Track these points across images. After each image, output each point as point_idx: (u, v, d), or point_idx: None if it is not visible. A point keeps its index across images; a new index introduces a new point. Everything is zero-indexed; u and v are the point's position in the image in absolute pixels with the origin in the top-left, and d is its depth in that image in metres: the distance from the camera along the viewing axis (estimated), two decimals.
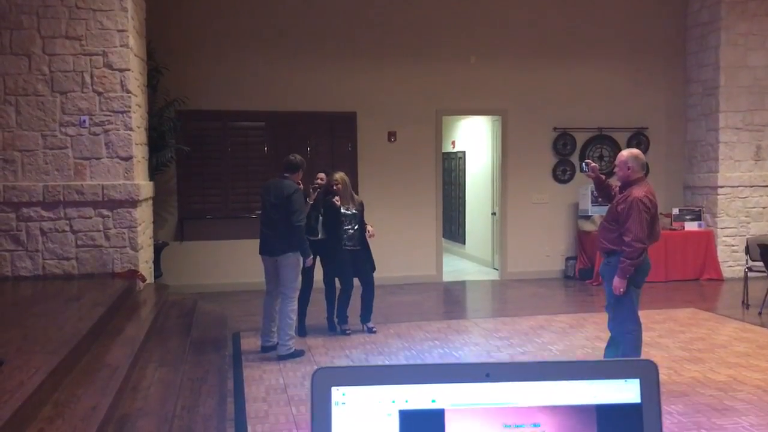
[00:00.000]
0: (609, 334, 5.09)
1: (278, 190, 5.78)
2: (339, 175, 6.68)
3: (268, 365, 5.65)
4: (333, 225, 6.57)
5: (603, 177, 5.18)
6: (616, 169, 4.96)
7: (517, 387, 0.82)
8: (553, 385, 0.82)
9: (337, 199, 6.51)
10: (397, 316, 7.54)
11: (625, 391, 0.83)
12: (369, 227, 6.71)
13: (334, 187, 6.55)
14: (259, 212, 9.05)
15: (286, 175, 5.86)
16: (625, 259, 4.67)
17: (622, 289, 4.73)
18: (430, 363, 0.86)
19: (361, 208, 6.73)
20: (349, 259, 6.59)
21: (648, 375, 0.84)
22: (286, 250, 5.77)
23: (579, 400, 0.82)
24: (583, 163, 5.24)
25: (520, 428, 0.81)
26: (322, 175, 6.75)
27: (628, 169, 4.82)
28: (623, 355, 4.93)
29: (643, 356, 5.86)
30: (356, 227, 6.62)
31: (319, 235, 6.60)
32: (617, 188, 5.01)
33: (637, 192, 4.71)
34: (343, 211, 6.55)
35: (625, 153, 4.97)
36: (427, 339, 6.53)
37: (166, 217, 9.03)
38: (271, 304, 5.97)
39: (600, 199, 5.32)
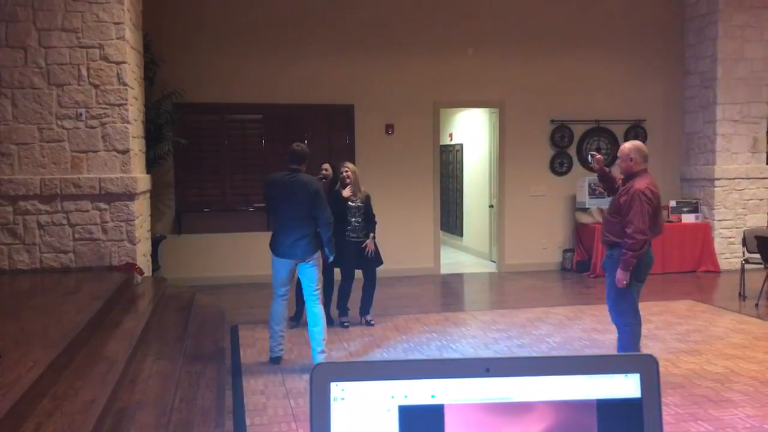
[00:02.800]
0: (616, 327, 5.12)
1: (301, 186, 5.23)
2: (350, 165, 6.64)
3: (266, 357, 5.65)
4: (338, 216, 6.56)
5: (607, 169, 5.15)
6: (618, 161, 4.94)
7: (517, 382, 0.82)
8: (553, 380, 0.82)
9: (346, 190, 6.46)
10: (396, 308, 7.55)
11: (626, 386, 0.83)
12: (368, 241, 6.59)
13: (346, 178, 6.51)
14: (253, 207, 9.04)
15: (294, 167, 5.32)
16: (627, 251, 4.65)
17: (625, 282, 4.72)
18: (430, 358, 0.86)
19: (366, 200, 6.65)
20: (353, 251, 6.57)
21: (648, 370, 0.83)
22: (315, 251, 5.34)
23: (579, 395, 0.82)
24: (589, 155, 5.24)
25: (520, 423, 0.81)
26: (326, 165, 6.69)
27: (631, 161, 4.81)
28: (621, 347, 4.93)
29: (641, 349, 5.88)
30: (361, 219, 6.58)
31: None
32: (621, 180, 5.00)
33: (639, 184, 4.70)
34: (350, 203, 6.52)
35: (628, 145, 4.93)
36: (426, 332, 6.54)
37: (163, 210, 9.01)
38: (284, 310, 5.47)
39: (606, 192, 5.32)
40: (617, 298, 4.87)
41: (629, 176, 4.83)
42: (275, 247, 5.37)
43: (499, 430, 0.80)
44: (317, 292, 5.38)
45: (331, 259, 5.66)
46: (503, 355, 0.83)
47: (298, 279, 5.62)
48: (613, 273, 4.80)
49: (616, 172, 5.15)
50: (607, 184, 5.16)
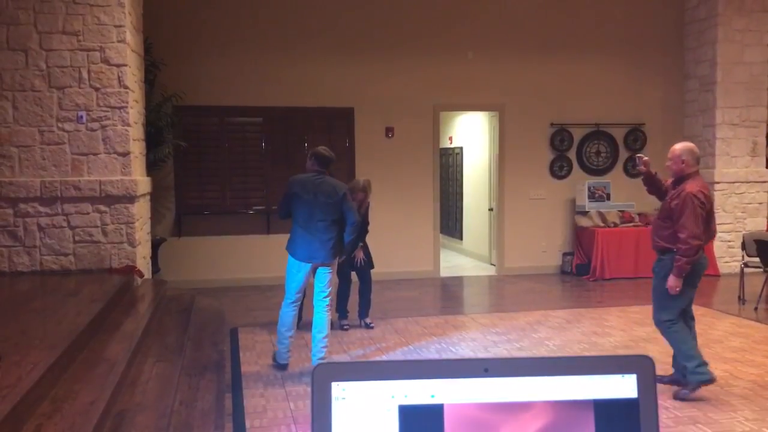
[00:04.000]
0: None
1: (329, 189, 5.16)
2: (365, 180, 6.72)
3: (266, 360, 5.66)
4: None
5: (654, 171, 4.95)
6: (669, 163, 4.73)
7: (516, 382, 0.83)
8: (551, 381, 0.83)
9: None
10: (395, 311, 7.55)
11: (622, 387, 0.84)
12: (358, 252, 6.61)
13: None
14: (253, 210, 9.05)
15: (320, 169, 5.23)
16: (680, 257, 4.48)
17: (677, 288, 4.55)
18: (430, 358, 0.87)
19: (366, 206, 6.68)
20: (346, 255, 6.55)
21: (644, 370, 0.84)
22: (336, 255, 5.29)
23: (577, 396, 0.83)
24: (636, 157, 5.01)
25: (518, 423, 0.82)
26: None
27: (682, 163, 4.61)
28: (678, 352, 4.72)
29: (639, 351, 5.88)
30: None
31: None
32: (669, 183, 4.84)
33: (691, 187, 4.53)
34: None
35: (679, 146, 4.72)
36: (425, 334, 6.55)
37: (163, 213, 9.03)
38: (295, 316, 5.35)
39: (655, 196, 5.06)
40: (662, 302, 4.70)
41: (680, 179, 4.65)
42: (296, 251, 5.20)
43: (497, 430, 0.81)
44: (329, 298, 5.30)
45: (343, 257, 5.65)
46: (501, 356, 0.84)
47: None
48: (663, 279, 4.60)
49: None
50: (653, 188, 4.96)
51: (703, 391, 4.81)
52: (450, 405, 0.82)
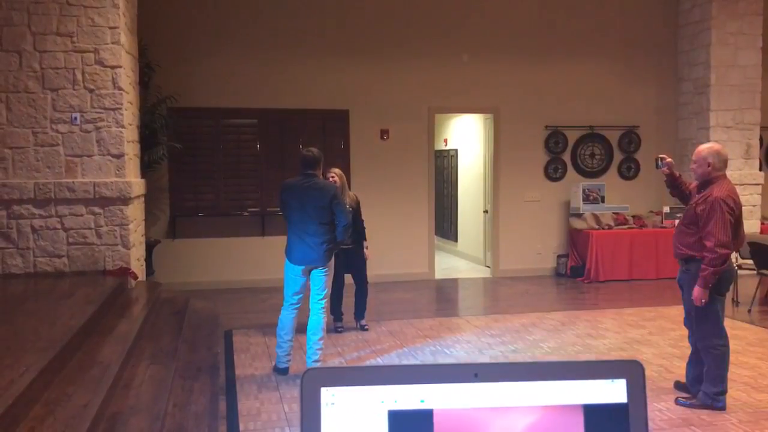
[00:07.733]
0: (690, 349, 4.69)
1: (317, 191, 5.14)
2: (336, 170, 6.59)
3: (260, 363, 5.65)
4: None
5: (677, 174, 4.73)
6: (693, 166, 4.48)
7: (505, 387, 0.83)
8: (540, 385, 0.83)
9: None
10: (390, 313, 7.55)
11: (612, 391, 0.84)
12: (366, 249, 6.67)
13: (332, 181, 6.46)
14: (248, 212, 9.06)
15: (309, 172, 5.19)
16: (707, 267, 4.23)
17: (703, 300, 4.30)
18: (419, 363, 0.87)
19: (355, 205, 6.60)
20: (342, 257, 6.52)
21: (634, 375, 0.85)
22: (330, 257, 5.26)
23: (566, 400, 0.83)
24: (658, 159, 4.75)
25: (508, 428, 0.82)
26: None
27: (708, 166, 4.37)
28: (708, 373, 4.48)
29: (633, 353, 5.90)
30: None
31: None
32: (693, 186, 4.60)
33: (718, 191, 4.29)
34: None
35: (705, 148, 4.46)
36: (420, 336, 6.55)
37: (158, 215, 9.01)
38: (294, 320, 5.31)
39: (677, 199, 4.86)
40: (699, 317, 4.41)
41: (705, 182, 4.41)
42: (291, 254, 5.22)
43: None
44: (324, 300, 5.29)
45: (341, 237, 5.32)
46: (491, 361, 0.84)
47: None
48: (690, 290, 4.37)
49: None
50: (676, 191, 4.75)
51: None
52: (440, 410, 0.82)
